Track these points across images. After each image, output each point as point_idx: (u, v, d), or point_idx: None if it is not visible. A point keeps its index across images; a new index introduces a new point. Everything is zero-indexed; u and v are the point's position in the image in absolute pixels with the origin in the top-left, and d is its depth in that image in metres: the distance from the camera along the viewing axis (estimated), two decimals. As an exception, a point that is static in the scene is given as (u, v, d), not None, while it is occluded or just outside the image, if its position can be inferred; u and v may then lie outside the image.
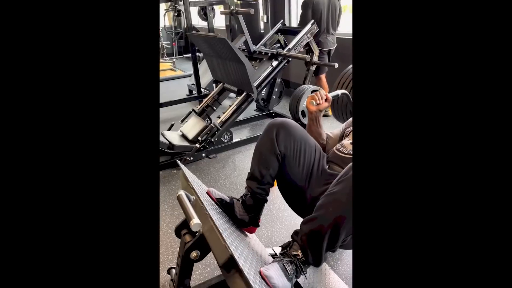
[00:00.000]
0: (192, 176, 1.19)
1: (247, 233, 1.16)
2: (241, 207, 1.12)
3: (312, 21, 2.74)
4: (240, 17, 2.58)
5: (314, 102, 1.20)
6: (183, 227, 0.90)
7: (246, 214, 1.12)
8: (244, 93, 2.58)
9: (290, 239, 0.94)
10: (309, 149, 1.12)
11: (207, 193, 1.12)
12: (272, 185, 1.15)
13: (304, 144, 1.11)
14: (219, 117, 2.58)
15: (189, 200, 0.93)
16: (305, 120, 2.88)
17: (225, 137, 2.61)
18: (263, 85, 2.62)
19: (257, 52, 2.80)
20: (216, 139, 2.52)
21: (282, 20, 3.15)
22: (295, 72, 4.10)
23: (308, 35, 2.76)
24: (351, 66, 1.99)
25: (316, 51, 2.89)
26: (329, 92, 1.24)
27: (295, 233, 0.92)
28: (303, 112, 2.84)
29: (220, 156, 2.55)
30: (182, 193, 0.86)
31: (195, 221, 0.74)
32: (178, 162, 1.16)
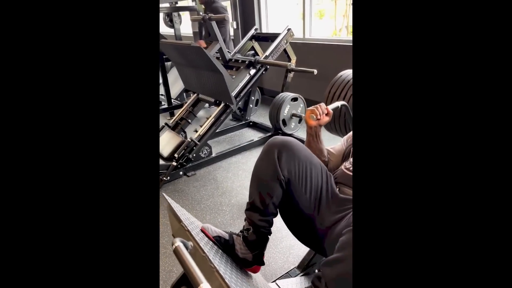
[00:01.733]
0: (181, 210, 1.01)
1: (251, 273, 1.00)
2: (242, 245, 0.96)
3: (288, 26, 2.65)
4: (214, 24, 2.42)
5: (315, 117, 1.08)
6: (182, 283, 0.73)
7: (249, 252, 0.96)
8: (222, 104, 2.42)
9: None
10: (315, 170, 0.98)
11: (202, 230, 0.95)
12: (276, 215, 1.00)
13: (309, 165, 0.98)
14: (196, 131, 2.39)
15: (187, 248, 0.75)
16: (286, 129, 2.77)
17: (204, 152, 2.42)
18: (241, 94, 2.47)
19: (233, 60, 2.65)
20: (194, 154, 2.32)
21: (255, 27, 3.03)
22: (269, 79, 4.00)
23: (285, 41, 2.66)
24: (340, 74, 1.89)
25: (294, 58, 2.80)
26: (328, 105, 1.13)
27: (317, 277, 0.78)
28: (284, 120, 2.73)
29: (199, 173, 2.36)
30: (179, 244, 0.69)
31: (205, 286, 0.57)
32: (164, 195, 0.98)
